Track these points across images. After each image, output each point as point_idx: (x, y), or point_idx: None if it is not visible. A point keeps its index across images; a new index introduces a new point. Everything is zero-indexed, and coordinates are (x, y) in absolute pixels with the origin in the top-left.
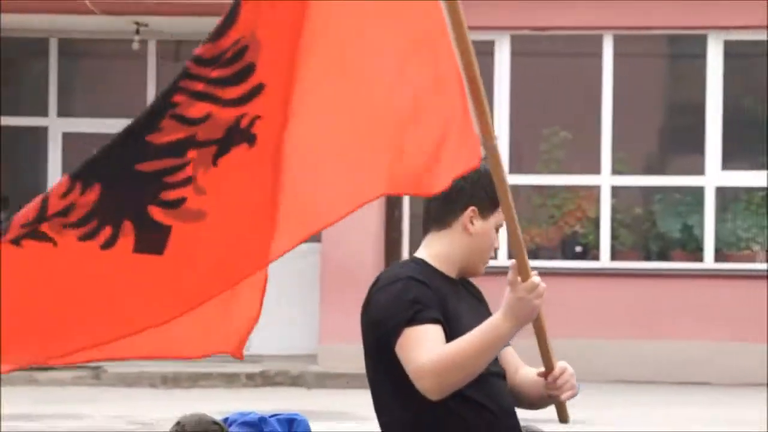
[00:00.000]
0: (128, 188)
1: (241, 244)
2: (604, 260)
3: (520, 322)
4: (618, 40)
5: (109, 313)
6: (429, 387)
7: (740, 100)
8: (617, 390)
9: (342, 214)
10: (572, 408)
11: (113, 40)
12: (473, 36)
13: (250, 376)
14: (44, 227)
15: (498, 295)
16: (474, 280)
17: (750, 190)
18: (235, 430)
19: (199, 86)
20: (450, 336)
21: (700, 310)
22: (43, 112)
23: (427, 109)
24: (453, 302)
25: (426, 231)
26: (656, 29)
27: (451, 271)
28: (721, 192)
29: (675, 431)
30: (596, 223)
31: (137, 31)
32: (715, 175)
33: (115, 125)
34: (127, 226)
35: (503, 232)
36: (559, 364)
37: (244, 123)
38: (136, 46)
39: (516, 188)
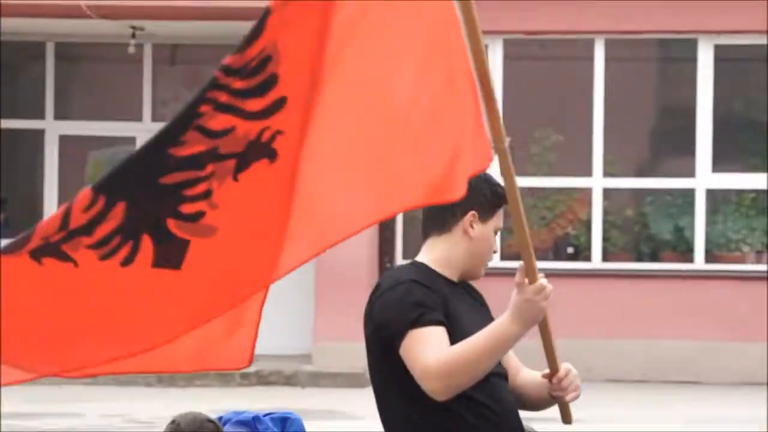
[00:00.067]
0: (150, 202)
1: (251, 260)
2: (596, 261)
3: (527, 324)
4: (609, 44)
5: (127, 327)
6: (435, 388)
7: (730, 103)
8: (609, 389)
9: (357, 229)
10: (553, 405)
11: (109, 44)
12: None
13: (245, 376)
14: (66, 247)
15: (494, 296)
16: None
17: (740, 192)
18: (230, 428)
19: (223, 97)
20: (452, 338)
21: (690, 310)
22: (40, 115)
23: (444, 113)
24: (454, 304)
25: (426, 235)
26: (647, 33)
27: (452, 275)
28: (712, 194)
29: (666, 430)
30: (588, 224)
31: (133, 35)
32: (705, 178)
33: (111, 128)
34: (146, 240)
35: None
36: (564, 366)
37: (265, 137)
38: (132, 49)
39: None
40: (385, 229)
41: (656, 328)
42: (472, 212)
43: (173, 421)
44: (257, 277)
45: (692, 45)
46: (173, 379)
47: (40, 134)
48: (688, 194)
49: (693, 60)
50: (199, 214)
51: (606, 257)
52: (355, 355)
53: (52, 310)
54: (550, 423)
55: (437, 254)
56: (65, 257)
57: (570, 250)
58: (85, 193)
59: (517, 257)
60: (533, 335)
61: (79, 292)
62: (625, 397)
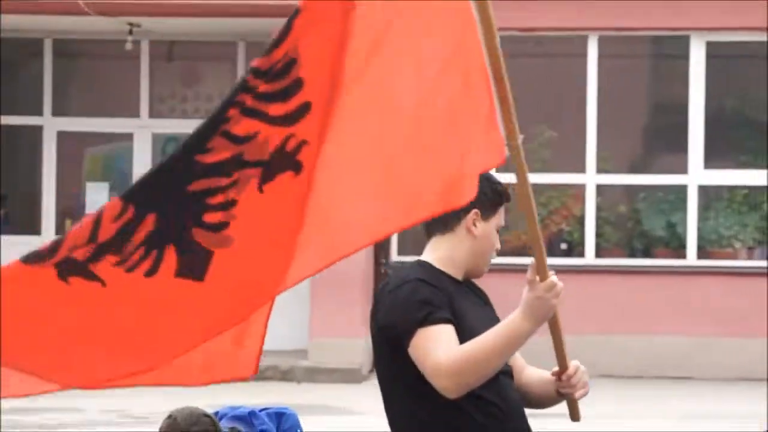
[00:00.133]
0: (177, 211)
1: (265, 271)
2: (589, 257)
3: (537, 321)
4: (602, 41)
5: (150, 339)
6: (447, 386)
7: (722, 100)
8: (602, 384)
9: (369, 241)
10: (559, 403)
11: (107, 41)
12: None
13: None
14: (93, 268)
15: (492, 292)
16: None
17: (732, 189)
18: (226, 423)
19: (249, 100)
20: (458, 336)
21: (683, 306)
22: (39, 111)
23: (458, 114)
24: (459, 302)
25: (430, 235)
26: (640, 30)
27: (457, 273)
28: (704, 190)
29: (661, 425)
30: (581, 220)
31: (130, 32)
32: (697, 174)
33: (108, 124)
34: (170, 250)
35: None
36: (573, 363)
37: (290, 146)
38: (129, 46)
39: None
40: None
41: (649, 324)
42: (475, 211)
43: (170, 416)
44: (269, 288)
45: (685, 42)
46: None
47: (38, 130)
48: (681, 190)
49: (685, 57)
50: (223, 225)
51: (599, 253)
52: (351, 351)
53: (78, 325)
54: (548, 419)
55: (441, 253)
56: (92, 277)
57: (563, 245)
58: (114, 202)
59: (512, 253)
60: (543, 332)
61: (105, 309)
62: (619, 392)
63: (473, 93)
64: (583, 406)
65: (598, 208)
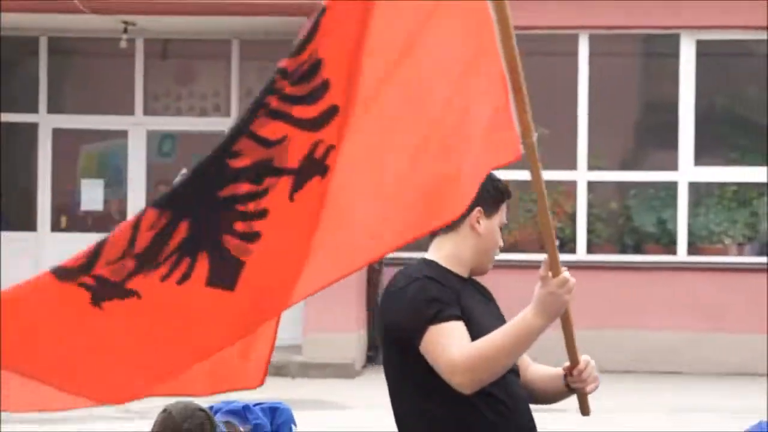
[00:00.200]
0: (210, 218)
1: (286, 281)
2: (581, 253)
3: (550, 316)
4: (593, 40)
5: (176, 348)
6: (462, 382)
7: (712, 97)
8: None
9: (384, 251)
10: (566, 398)
11: (102, 39)
12: None
13: None
14: (129, 284)
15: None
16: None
17: (722, 185)
18: (221, 417)
19: (275, 102)
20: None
21: (673, 301)
22: (34, 108)
23: (476, 112)
24: (466, 299)
25: (434, 234)
26: (631, 29)
27: (462, 271)
28: (694, 187)
29: (649, 417)
30: (573, 217)
31: (125, 30)
32: (688, 171)
33: (103, 121)
34: (203, 258)
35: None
36: (583, 358)
37: (319, 153)
38: (123, 44)
39: None
40: None
41: (639, 319)
42: (478, 209)
43: (165, 410)
44: (286, 297)
45: (675, 41)
46: None
47: (33, 128)
48: (671, 187)
49: (676, 55)
50: (255, 235)
51: (590, 249)
52: (345, 346)
53: (110, 342)
54: (548, 414)
55: (446, 251)
56: (128, 294)
57: (555, 242)
58: (149, 211)
59: (509, 250)
60: (555, 327)
61: (139, 323)
62: (611, 387)
63: (490, 92)
64: (574, 400)
65: (590, 205)
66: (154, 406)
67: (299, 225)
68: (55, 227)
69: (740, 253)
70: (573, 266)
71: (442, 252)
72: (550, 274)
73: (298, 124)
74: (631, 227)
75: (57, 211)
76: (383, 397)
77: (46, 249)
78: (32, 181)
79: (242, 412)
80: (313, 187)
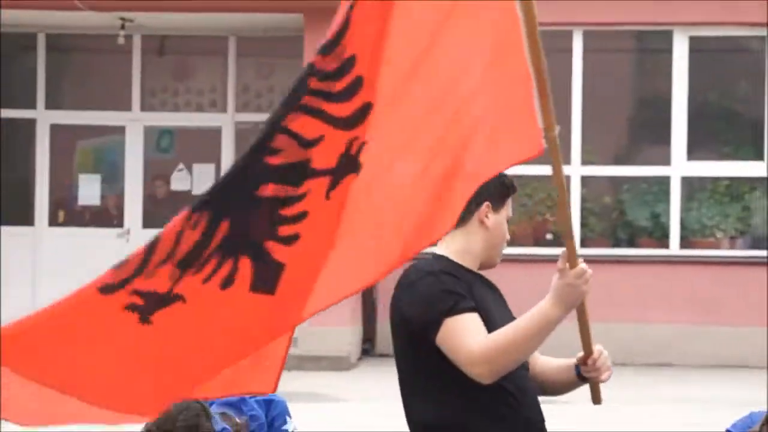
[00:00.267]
0: (249, 220)
1: (316, 281)
2: None
3: (567, 307)
4: (587, 36)
5: (217, 353)
6: (481, 372)
7: (705, 93)
8: None
9: (411, 254)
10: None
11: (99, 35)
12: None
13: None
14: (178, 288)
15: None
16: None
17: (714, 180)
18: (216, 409)
19: (308, 98)
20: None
21: (666, 294)
22: (32, 104)
23: (499, 108)
24: (478, 292)
25: None
26: (624, 25)
27: (472, 265)
28: (687, 181)
29: (644, 408)
30: None
31: (122, 27)
32: (680, 166)
33: (101, 117)
34: (245, 262)
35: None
36: (596, 348)
37: (354, 150)
38: (121, 41)
39: None
40: None
41: (633, 312)
42: (486, 203)
43: None
44: (318, 300)
45: (668, 37)
46: None
47: (31, 123)
48: (664, 182)
49: (668, 51)
50: (294, 237)
51: (584, 243)
52: (340, 340)
53: (154, 353)
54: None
55: (457, 246)
56: (174, 299)
57: (549, 236)
58: (195, 212)
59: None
60: (571, 318)
61: (184, 327)
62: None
63: (514, 87)
64: (575, 392)
65: (583, 199)
66: None
67: (334, 222)
68: (53, 222)
69: (732, 247)
70: None
71: (452, 247)
72: (567, 265)
73: (334, 122)
74: (625, 221)
75: (55, 206)
76: (378, 390)
77: (44, 243)
78: (30, 176)
79: (238, 404)
80: (348, 184)
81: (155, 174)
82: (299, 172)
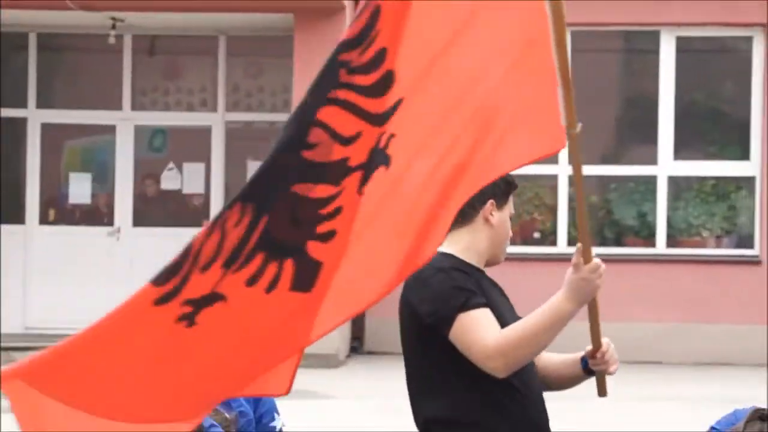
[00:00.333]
0: (290, 219)
1: (351, 279)
2: (562, 246)
3: (580, 301)
4: (575, 36)
5: (254, 352)
6: (496, 366)
7: (691, 93)
8: None
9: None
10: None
11: (90, 35)
12: None
13: None
14: (221, 287)
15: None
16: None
17: (701, 179)
18: None
19: (341, 92)
20: None
21: (652, 293)
22: (23, 104)
23: (523, 104)
24: (486, 289)
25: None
26: (611, 26)
27: (479, 263)
28: (673, 181)
29: (632, 405)
30: (554, 210)
31: (113, 26)
32: (667, 165)
33: (92, 117)
34: (288, 265)
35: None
36: (604, 341)
37: (382, 142)
38: (112, 40)
39: None
40: None
41: (619, 311)
42: (491, 201)
43: None
44: (367, 294)
45: (655, 37)
46: None
47: (22, 122)
48: (651, 181)
49: (655, 52)
50: (331, 234)
51: (571, 242)
52: (328, 337)
53: (197, 358)
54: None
55: (463, 244)
56: (216, 299)
57: (536, 234)
58: (236, 207)
59: None
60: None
61: (225, 328)
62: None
63: (539, 84)
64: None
65: (571, 199)
66: None
67: (367, 217)
68: (44, 220)
69: (719, 246)
70: (554, 259)
71: (459, 245)
72: (581, 260)
73: (369, 119)
74: (612, 220)
75: (45, 205)
76: (366, 388)
77: (35, 241)
78: (21, 175)
79: (227, 400)
80: (379, 177)
81: (145, 173)
82: (339, 171)
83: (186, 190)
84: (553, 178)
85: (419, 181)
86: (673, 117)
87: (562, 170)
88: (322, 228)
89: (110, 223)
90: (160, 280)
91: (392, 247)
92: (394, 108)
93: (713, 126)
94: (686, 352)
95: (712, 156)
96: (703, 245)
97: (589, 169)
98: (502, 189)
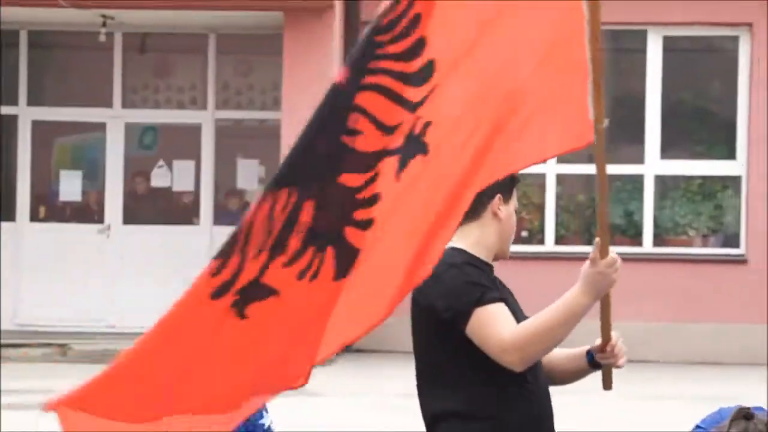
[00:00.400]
0: (333, 207)
1: (389, 268)
2: (549, 244)
3: (596, 295)
4: None
5: (300, 344)
6: (513, 361)
7: (678, 93)
8: None
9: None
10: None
11: (81, 33)
12: None
13: None
14: (266, 279)
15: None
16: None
17: (687, 179)
18: None
19: (382, 79)
20: None
21: (639, 291)
22: (14, 101)
23: (553, 99)
24: (497, 283)
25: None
26: None
27: (488, 258)
28: (660, 180)
29: (620, 404)
30: (541, 209)
31: (104, 24)
32: (654, 164)
33: (82, 114)
34: (330, 252)
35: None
36: (613, 334)
37: (417, 129)
38: (102, 38)
39: None
40: None
41: None
42: (498, 195)
43: None
44: (404, 281)
45: (642, 36)
46: None
47: (13, 120)
48: (638, 180)
49: (642, 51)
50: (370, 222)
51: (559, 240)
52: None
53: (250, 351)
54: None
55: (473, 239)
56: (267, 292)
57: (524, 233)
58: (283, 191)
59: None
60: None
61: (277, 322)
62: None
63: (570, 78)
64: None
65: (558, 197)
66: None
67: (406, 207)
68: (34, 217)
69: (705, 245)
70: (541, 257)
71: (468, 239)
72: (599, 255)
73: (408, 106)
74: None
75: (36, 202)
76: (356, 385)
77: (25, 238)
78: (12, 172)
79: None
80: (417, 165)
81: (136, 170)
82: (376, 157)
83: (176, 188)
84: (541, 177)
85: (450, 170)
86: (660, 116)
87: (550, 169)
88: (361, 215)
89: (100, 220)
90: (216, 270)
91: (413, 239)
92: (429, 94)
93: (700, 125)
94: (673, 351)
95: (698, 155)
96: (689, 244)
97: (576, 168)
98: (507, 184)
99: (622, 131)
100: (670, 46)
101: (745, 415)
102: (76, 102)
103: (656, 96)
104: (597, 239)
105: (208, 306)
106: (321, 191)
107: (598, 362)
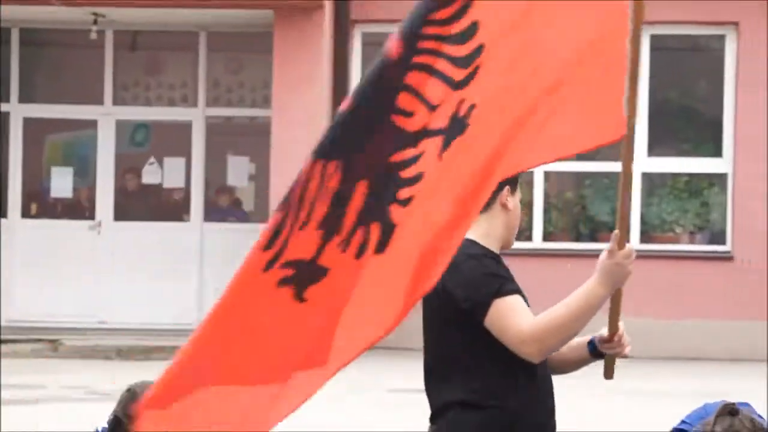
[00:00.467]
0: (381, 184)
1: (423, 247)
2: (537, 241)
3: (613, 286)
4: None
5: (352, 325)
6: (531, 352)
7: (665, 91)
8: None
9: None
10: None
11: (72, 30)
12: None
13: None
14: (322, 259)
15: None
16: None
17: (674, 176)
18: None
19: (430, 59)
20: None
21: (625, 288)
22: (5, 98)
23: (590, 91)
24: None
25: None
26: None
27: (497, 249)
28: (647, 177)
29: (607, 399)
30: (529, 206)
31: (95, 22)
32: (641, 162)
33: (73, 111)
34: (375, 229)
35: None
36: (620, 325)
37: (462, 110)
38: (93, 35)
39: None
40: None
41: None
42: (507, 187)
43: (129, 389)
44: (436, 261)
45: None
46: (131, 353)
47: (5, 117)
48: None
49: None
50: (410, 200)
51: (546, 237)
52: None
53: (313, 335)
54: None
55: (483, 230)
56: (321, 273)
57: None
58: (331, 164)
59: None
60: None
61: (332, 303)
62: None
63: (608, 77)
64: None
65: (546, 194)
66: (121, 389)
67: (445, 186)
68: (26, 214)
69: (691, 242)
70: (529, 254)
71: (479, 231)
72: (617, 246)
73: (453, 85)
74: (586, 216)
75: (27, 198)
76: (346, 383)
77: (17, 235)
78: (3, 169)
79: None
80: (458, 145)
81: (127, 167)
82: (421, 135)
83: (166, 185)
84: (529, 174)
85: (482, 157)
86: (647, 114)
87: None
88: (404, 193)
89: (91, 216)
90: (267, 244)
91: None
92: (473, 74)
93: (687, 123)
94: (660, 348)
95: (685, 153)
96: (676, 241)
97: (564, 165)
98: (512, 175)
99: None
100: (656, 44)
101: (730, 410)
102: (67, 99)
103: (643, 94)
104: (615, 231)
105: (260, 278)
106: (370, 170)
107: (599, 352)
